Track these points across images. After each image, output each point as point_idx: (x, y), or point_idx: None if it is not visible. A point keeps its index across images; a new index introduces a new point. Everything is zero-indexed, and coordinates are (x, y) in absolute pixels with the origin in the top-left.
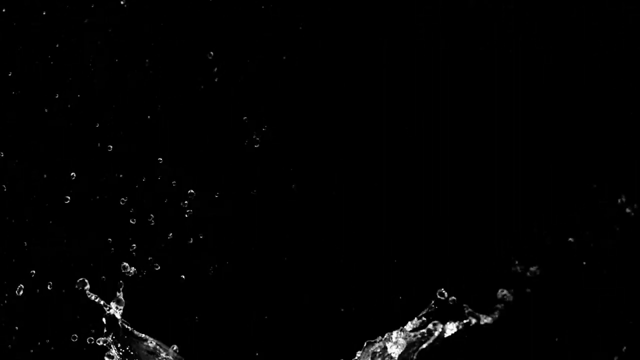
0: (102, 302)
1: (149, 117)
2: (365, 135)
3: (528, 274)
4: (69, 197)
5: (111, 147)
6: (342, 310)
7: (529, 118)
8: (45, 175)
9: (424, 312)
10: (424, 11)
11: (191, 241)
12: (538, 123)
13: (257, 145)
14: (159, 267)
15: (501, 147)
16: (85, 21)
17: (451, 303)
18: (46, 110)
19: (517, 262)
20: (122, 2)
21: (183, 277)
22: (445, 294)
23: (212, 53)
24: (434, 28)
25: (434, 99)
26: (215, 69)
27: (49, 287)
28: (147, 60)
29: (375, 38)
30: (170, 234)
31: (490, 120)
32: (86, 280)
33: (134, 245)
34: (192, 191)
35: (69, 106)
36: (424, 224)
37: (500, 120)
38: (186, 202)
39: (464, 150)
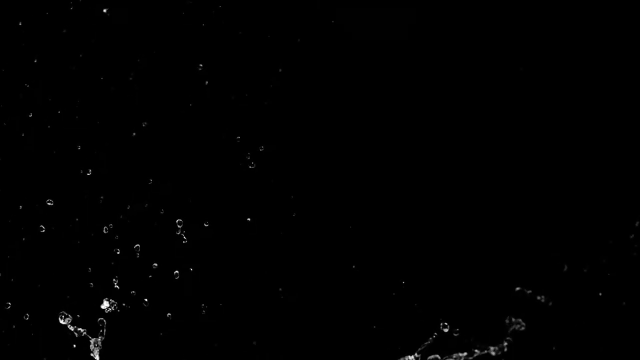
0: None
1: (134, 134)
2: (364, 159)
3: (539, 299)
4: (43, 227)
5: (90, 171)
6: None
7: (551, 150)
8: (20, 206)
9: (422, 347)
10: (423, 11)
11: (177, 276)
12: (559, 152)
13: (252, 166)
14: (147, 304)
15: (513, 165)
16: (64, 31)
17: (455, 335)
18: (23, 134)
19: (528, 290)
20: (104, 11)
21: (169, 315)
22: (447, 326)
23: (201, 65)
24: (434, 28)
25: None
26: (207, 82)
27: (25, 318)
28: (131, 76)
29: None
30: (155, 264)
31: (507, 150)
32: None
33: (116, 277)
34: (180, 220)
35: (48, 127)
36: (431, 250)
37: (519, 151)
38: (179, 230)
39: (474, 173)
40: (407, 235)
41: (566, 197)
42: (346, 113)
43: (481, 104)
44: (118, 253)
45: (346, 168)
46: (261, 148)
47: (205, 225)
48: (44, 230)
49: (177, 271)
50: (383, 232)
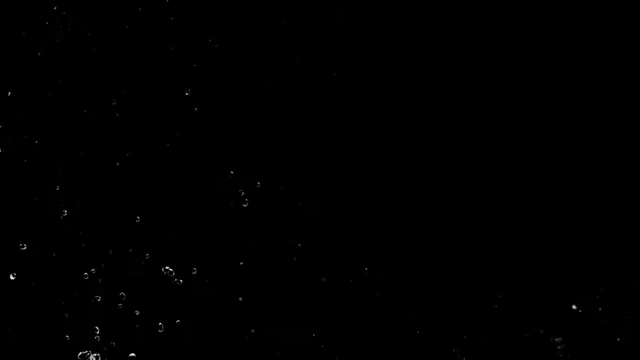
0: None
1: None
2: (364, 162)
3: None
4: (13, 275)
5: (66, 211)
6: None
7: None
8: None
9: None
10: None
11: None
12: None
13: (246, 205)
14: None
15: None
16: (39, 54)
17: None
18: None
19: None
20: (88, 34)
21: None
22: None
23: (189, 90)
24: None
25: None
26: (195, 109)
27: None
28: (114, 102)
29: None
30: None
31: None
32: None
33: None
34: (169, 269)
35: (25, 160)
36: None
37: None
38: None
39: (478, 177)
40: (407, 236)
41: (566, 199)
42: (345, 117)
43: (481, 104)
44: (99, 300)
45: (345, 170)
46: (258, 184)
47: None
48: (13, 278)
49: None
50: (383, 235)
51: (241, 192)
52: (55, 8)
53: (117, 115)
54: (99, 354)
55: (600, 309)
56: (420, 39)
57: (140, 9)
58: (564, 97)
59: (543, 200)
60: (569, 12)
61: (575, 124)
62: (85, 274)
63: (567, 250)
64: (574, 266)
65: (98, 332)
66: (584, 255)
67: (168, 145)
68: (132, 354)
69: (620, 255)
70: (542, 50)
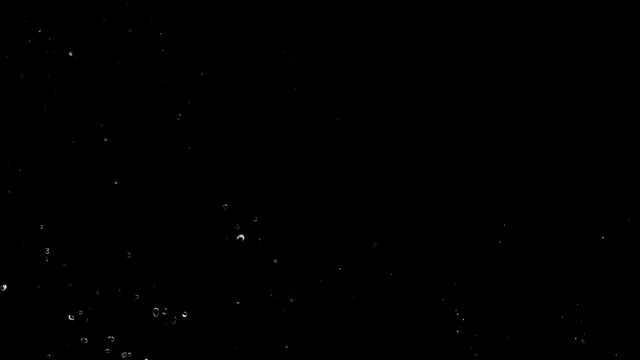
0: None
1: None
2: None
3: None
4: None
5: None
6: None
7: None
8: None
9: None
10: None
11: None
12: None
13: (242, 239)
14: None
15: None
16: (22, 75)
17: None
18: None
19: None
20: (70, 54)
21: None
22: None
23: (180, 115)
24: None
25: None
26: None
27: None
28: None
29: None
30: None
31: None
32: None
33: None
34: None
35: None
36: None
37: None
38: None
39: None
40: (407, 236)
41: (566, 199)
42: (345, 117)
43: (481, 104)
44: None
45: (345, 169)
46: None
47: None
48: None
49: None
50: (384, 235)
51: (237, 226)
52: (55, 8)
53: (114, 119)
54: None
55: (600, 309)
56: (420, 39)
57: (140, 9)
58: (564, 97)
59: (543, 200)
60: (568, 12)
61: (575, 124)
62: (72, 316)
63: (567, 250)
64: (574, 266)
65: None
66: (583, 255)
67: (168, 144)
68: None
69: (620, 255)
70: (542, 50)
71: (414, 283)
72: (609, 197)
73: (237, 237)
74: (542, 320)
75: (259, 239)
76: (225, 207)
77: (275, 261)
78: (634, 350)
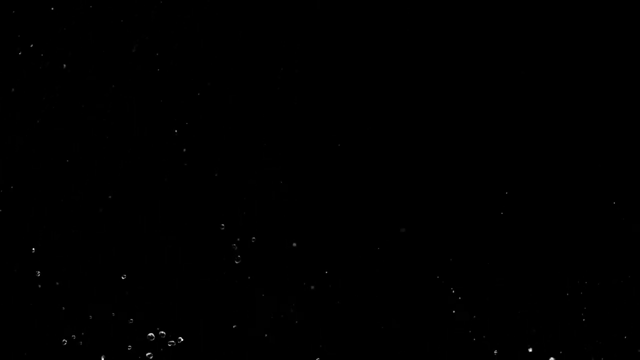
0: None
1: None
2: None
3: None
4: None
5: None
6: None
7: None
8: None
9: None
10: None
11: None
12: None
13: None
14: None
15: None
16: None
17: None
18: None
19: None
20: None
21: None
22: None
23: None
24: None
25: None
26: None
27: None
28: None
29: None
30: None
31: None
32: None
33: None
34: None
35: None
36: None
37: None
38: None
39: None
40: (407, 236)
41: (566, 200)
42: (345, 117)
43: (481, 104)
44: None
45: (345, 170)
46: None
47: None
48: None
49: None
50: (383, 236)
51: (234, 246)
52: (55, 8)
53: (113, 119)
54: None
55: (600, 309)
56: (420, 39)
57: (140, 9)
58: (564, 97)
59: (543, 200)
60: (568, 12)
61: (575, 123)
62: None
63: (567, 250)
64: (574, 266)
65: None
66: (583, 255)
67: (167, 145)
68: None
69: (620, 255)
70: (542, 50)
71: (413, 283)
72: (608, 197)
73: (233, 245)
74: (542, 320)
75: (257, 239)
76: (225, 208)
77: (275, 261)
78: (633, 350)
